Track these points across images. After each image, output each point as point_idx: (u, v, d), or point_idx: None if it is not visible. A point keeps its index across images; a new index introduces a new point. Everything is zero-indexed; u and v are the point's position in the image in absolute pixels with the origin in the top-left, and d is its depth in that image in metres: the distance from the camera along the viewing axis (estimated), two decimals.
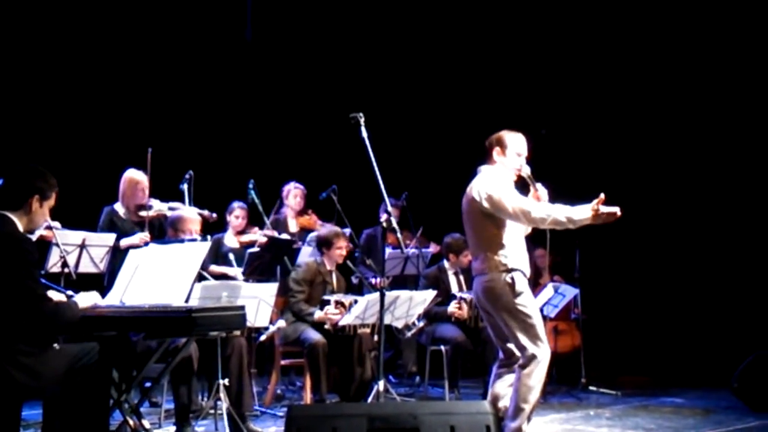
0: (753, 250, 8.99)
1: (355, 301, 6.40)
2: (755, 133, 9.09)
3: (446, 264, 7.57)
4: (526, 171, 5.03)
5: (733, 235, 9.17)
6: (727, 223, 9.20)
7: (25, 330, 3.81)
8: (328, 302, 6.57)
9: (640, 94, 9.60)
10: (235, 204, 7.69)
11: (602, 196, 4.67)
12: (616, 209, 4.68)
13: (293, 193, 8.03)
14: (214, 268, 6.95)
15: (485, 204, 4.86)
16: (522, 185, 5.07)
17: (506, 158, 5.00)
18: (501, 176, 4.97)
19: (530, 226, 4.92)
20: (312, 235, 7.66)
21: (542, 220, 4.78)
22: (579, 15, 9.62)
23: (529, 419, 4.84)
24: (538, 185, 5.04)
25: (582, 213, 4.71)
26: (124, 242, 6.71)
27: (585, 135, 9.81)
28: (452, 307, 7.16)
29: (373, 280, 7.68)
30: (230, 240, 7.51)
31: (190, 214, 6.20)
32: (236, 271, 6.79)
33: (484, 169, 5.03)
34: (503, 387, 4.92)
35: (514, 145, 5.01)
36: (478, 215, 4.93)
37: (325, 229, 7.27)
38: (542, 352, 4.78)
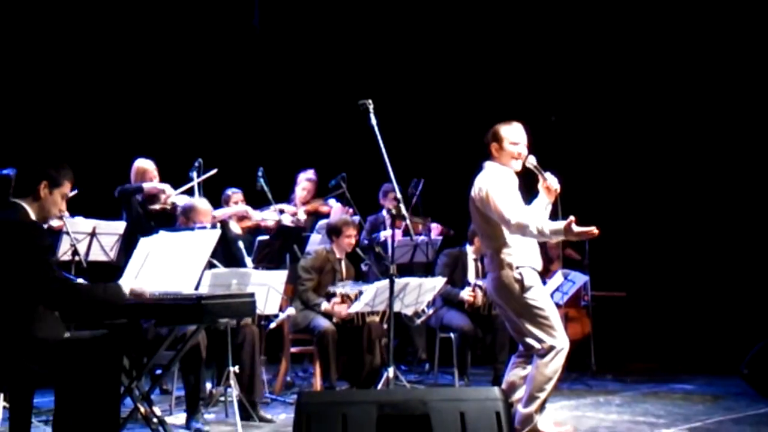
0: (762, 236, 8.95)
1: (360, 293, 6.39)
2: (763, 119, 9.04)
3: (468, 248, 7.51)
4: (532, 161, 4.96)
5: (743, 221, 9.13)
6: (736, 209, 9.16)
7: (37, 316, 3.83)
8: (334, 294, 6.58)
9: (650, 80, 9.55)
10: (229, 191, 7.67)
11: (572, 218, 4.64)
12: (592, 229, 4.64)
13: (302, 186, 8.08)
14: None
15: (478, 204, 4.87)
16: (530, 176, 5.02)
17: (504, 151, 4.95)
18: (501, 173, 4.93)
19: (510, 232, 4.82)
20: (322, 222, 7.67)
21: (518, 229, 4.73)
22: (589, 1, 9.57)
23: (541, 409, 4.83)
24: (547, 174, 4.98)
25: (555, 226, 4.69)
26: (149, 185, 6.86)
27: (595, 121, 9.77)
28: (466, 295, 7.14)
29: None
30: (234, 226, 7.49)
31: (204, 206, 6.24)
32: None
33: (486, 165, 5.00)
34: (519, 377, 4.92)
35: (510, 135, 4.95)
36: (478, 214, 4.92)
37: (334, 217, 7.26)
38: (560, 342, 4.79)
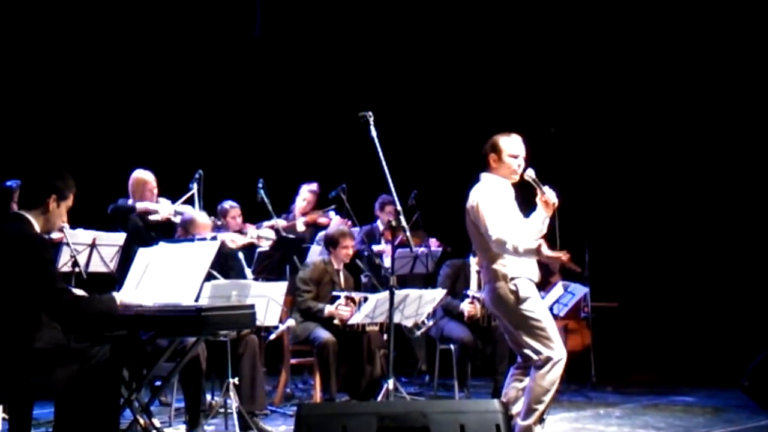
0: (762, 248, 8.95)
1: (365, 299, 6.40)
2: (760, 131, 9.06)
3: (471, 260, 7.48)
4: (530, 174, 4.94)
5: (743, 232, 9.14)
6: (736, 221, 9.17)
7: (38, 328, 3.83)
8: (338, 297, 6.58)
9: (649, 91, 9.56)
10: (227, 205, 7.63)
11: (541, 241, 4.75)
12: (560, 255, 4.76)
13: (303, 197, 8.08)
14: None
15: (471, 216, 4.89)
16: (528, 189, 5.02)
17: (503, 163, 4.95)
18: (495, 185, 4.93)
19: (492, 248, 4.82)
20: (321, 233, 7.67)
21: (497, 245, 4.76)
22: (588, 12, 9.59)
23: (541, 421, 4.82)
24: (545, 188, 4.94)
25: (529, 246, 4.75)
26: (142, 205, 6.82)
27: (595, 133, 9.78)
28: (465, 306, 7.12)
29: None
30: (228, 241, 7.45)
31: (203, 220, 6.25)
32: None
33: (483, 177, 5.01)
34: (518, 389, 4.91)
35: (508, 148, 4.94)
36: (473, 225, 4.93)
37: (331, 228, 7.27)
38: (557, 354, 4.78)
